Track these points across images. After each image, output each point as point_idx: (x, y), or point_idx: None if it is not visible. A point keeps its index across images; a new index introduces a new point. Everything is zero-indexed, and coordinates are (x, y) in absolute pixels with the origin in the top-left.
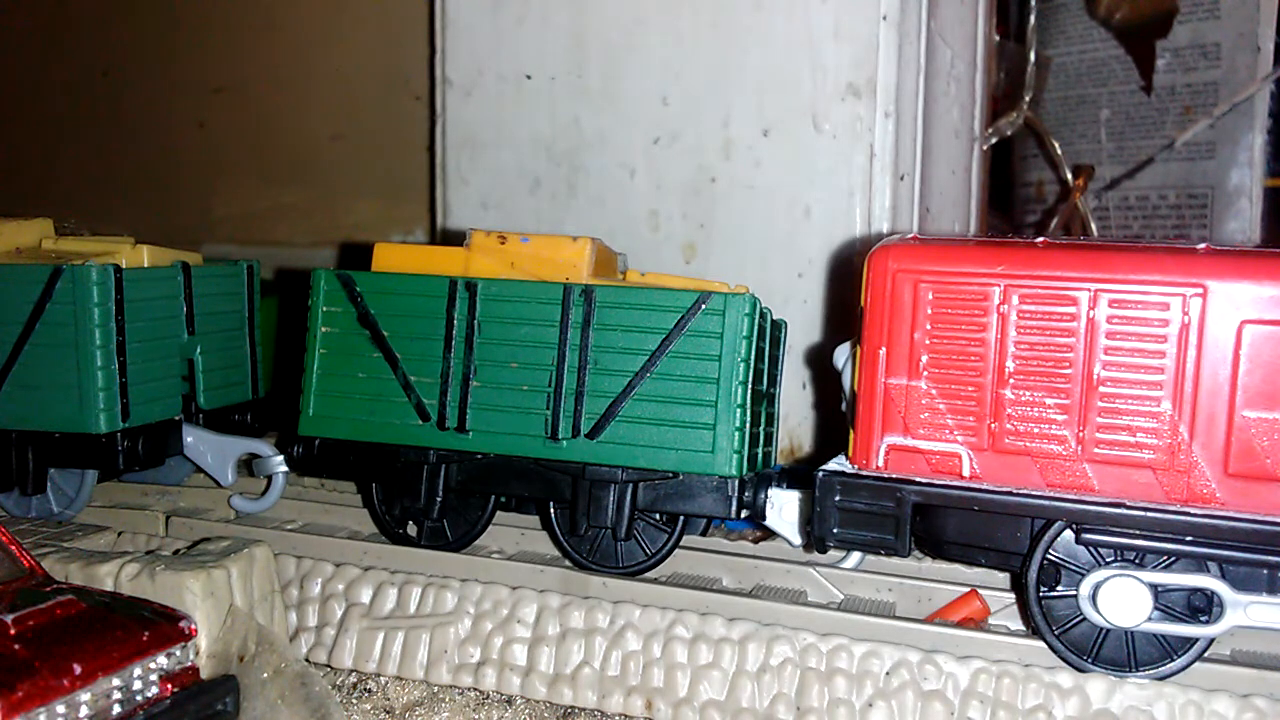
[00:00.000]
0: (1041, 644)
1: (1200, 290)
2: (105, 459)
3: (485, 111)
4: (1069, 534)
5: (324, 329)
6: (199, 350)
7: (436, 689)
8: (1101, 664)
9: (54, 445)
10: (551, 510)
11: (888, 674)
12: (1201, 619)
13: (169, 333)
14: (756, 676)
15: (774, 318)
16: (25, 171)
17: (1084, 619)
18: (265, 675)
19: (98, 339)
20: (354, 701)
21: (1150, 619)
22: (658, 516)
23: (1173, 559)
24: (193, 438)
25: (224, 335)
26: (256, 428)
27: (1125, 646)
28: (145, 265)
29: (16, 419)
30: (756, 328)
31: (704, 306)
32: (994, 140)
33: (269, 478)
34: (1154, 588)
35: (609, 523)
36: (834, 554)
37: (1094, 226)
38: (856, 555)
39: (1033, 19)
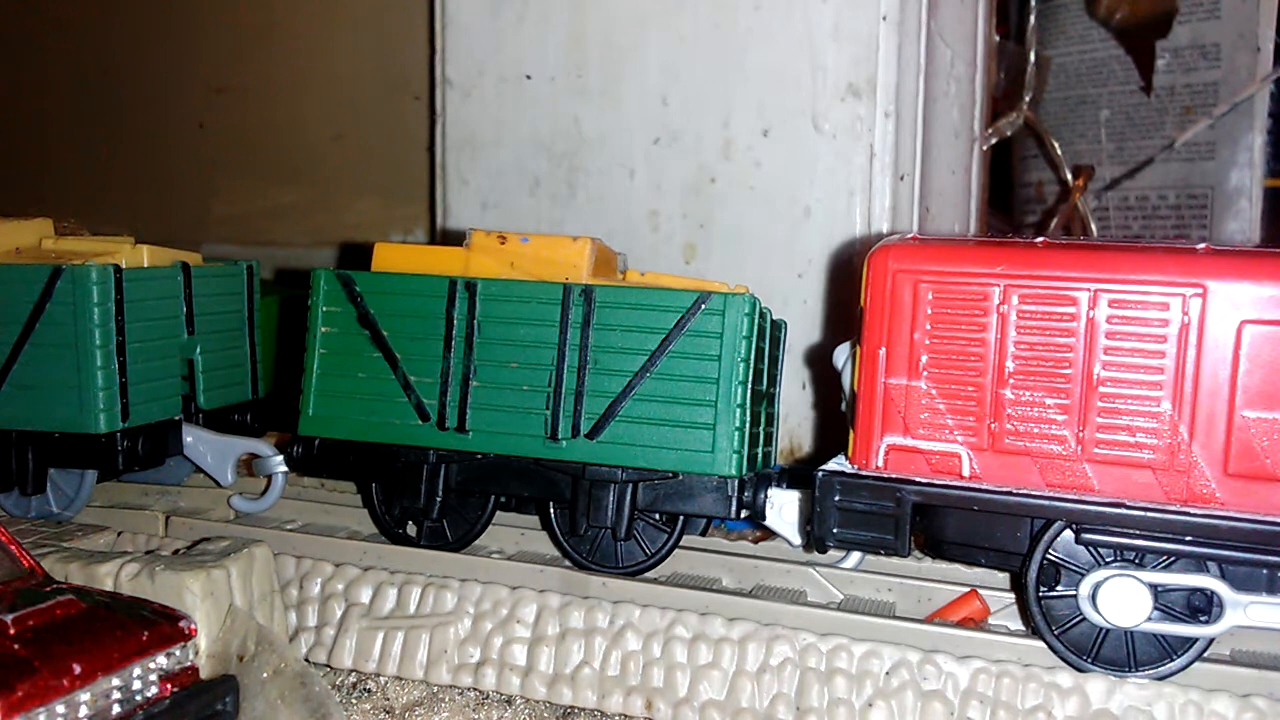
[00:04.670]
0: (1041, 644)
1: (1200, 290)
2: (105, 459)
3: (485, 111)
4: (1069, 534)
5: (324, 329)
6: (199, 350)
7: (436, 689)
8: (1101, 664)
9: (54, 445)
10: (551, 510)
11: (887, 674)
12: (1201, 619)
13: (169, 333)
14: (756, 676)
15: (774, 318)
16: (24, 171)
17: (1084, 619)
18: (265, 675)
19: (97, 339)
20: (354, 701)
21: (1150, 619)
22: (657, 516)
23: (1172, 559)
24: (192, 438)
25: (224, 335)
26: (256, 428)
27: (1125, 646)
28: (145, 265)
29: (16, 419)
30: (756, 328)
31: (704, 306)
32: (994, 140)
33: (269, 478)
34: (1154, 588)
35: (609, 523)
36: (834, 554)
37: (1094, 227)
38: (856, 555)
39: (1033, 19)
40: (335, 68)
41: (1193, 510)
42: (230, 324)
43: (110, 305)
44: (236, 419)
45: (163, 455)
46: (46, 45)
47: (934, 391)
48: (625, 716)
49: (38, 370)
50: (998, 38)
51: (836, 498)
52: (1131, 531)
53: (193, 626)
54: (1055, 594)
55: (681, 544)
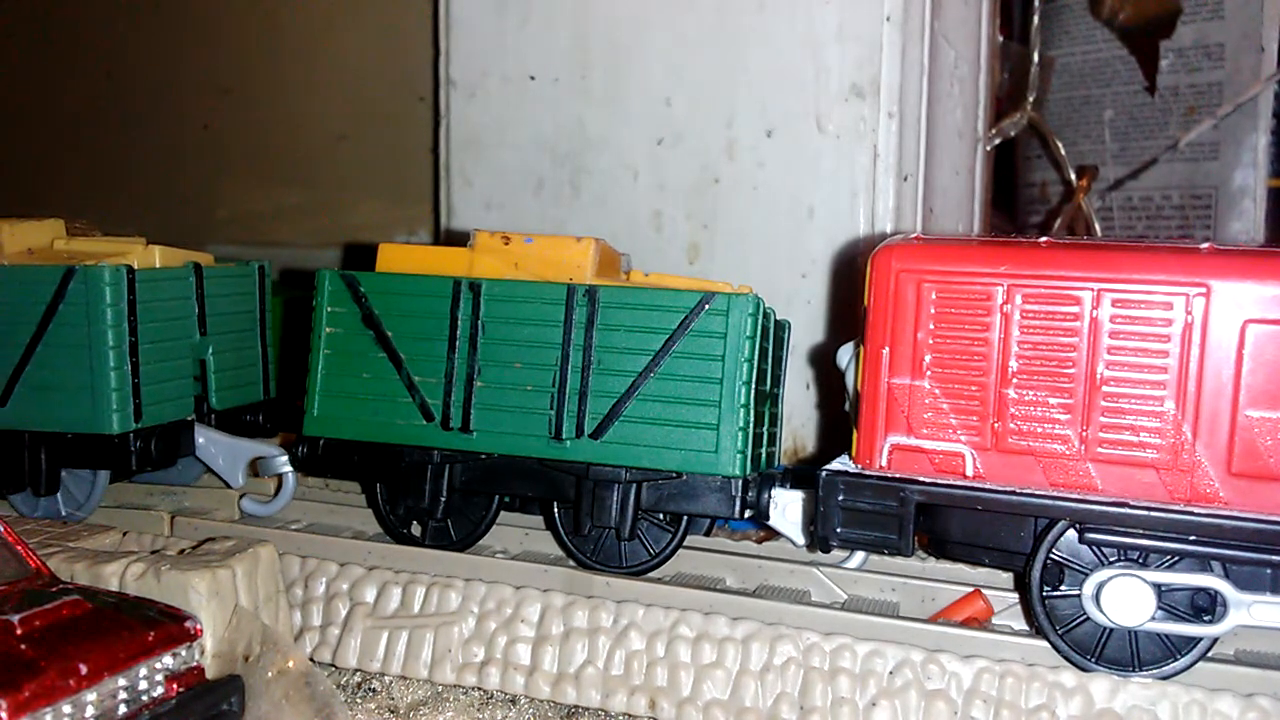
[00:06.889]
0: (1045, 643)
1: (1203, 290)
2: (118, 459)
3: (489, 112)
4: (1072, 533)
5: (328, 329)
6: (211, 351)
7: (441, 688)
8: (1105, 663)
9: (67, 446)
10: (555, 510)
11: (891, 673)
12: (1205, 618)
13: (181, 333)
14: (760, 676)
15: (777, 318)
16: (31, 173)
17: (1087, 618)
18: (270, 675)
19: (110, 340)
20: (359, 701)
21: (1154, 618)
22: (661, 516)
23: (1176, 558)
24: (204, 439)
25: (235, 336)
26: (268, 428)
27: (1129, 646)
28: (157, 266)
29: (29, 420)
30: (760, 328)
31: (707, 307)
32: (997, 141)
33: (279, 480)
34: (1157, 587)
35: (613, 523)
36: (837, 554)
37: (1098, 227)
38: (860, 555)
39: (1036, 19)
40: (340, 69)
41: (1196, 510)
42: (242, 324)
43: (123, 306)
44: (249, 419)
45: (175, 456)
46: (53, 47)
47: (937, 391)
48: (629, 716)
49: (51, 371)
50: (1001, 38)
51: (840, 497)
52: (1135, 531)
53: (198, 626)
54: (1059, 594)
55: (685, 544)
